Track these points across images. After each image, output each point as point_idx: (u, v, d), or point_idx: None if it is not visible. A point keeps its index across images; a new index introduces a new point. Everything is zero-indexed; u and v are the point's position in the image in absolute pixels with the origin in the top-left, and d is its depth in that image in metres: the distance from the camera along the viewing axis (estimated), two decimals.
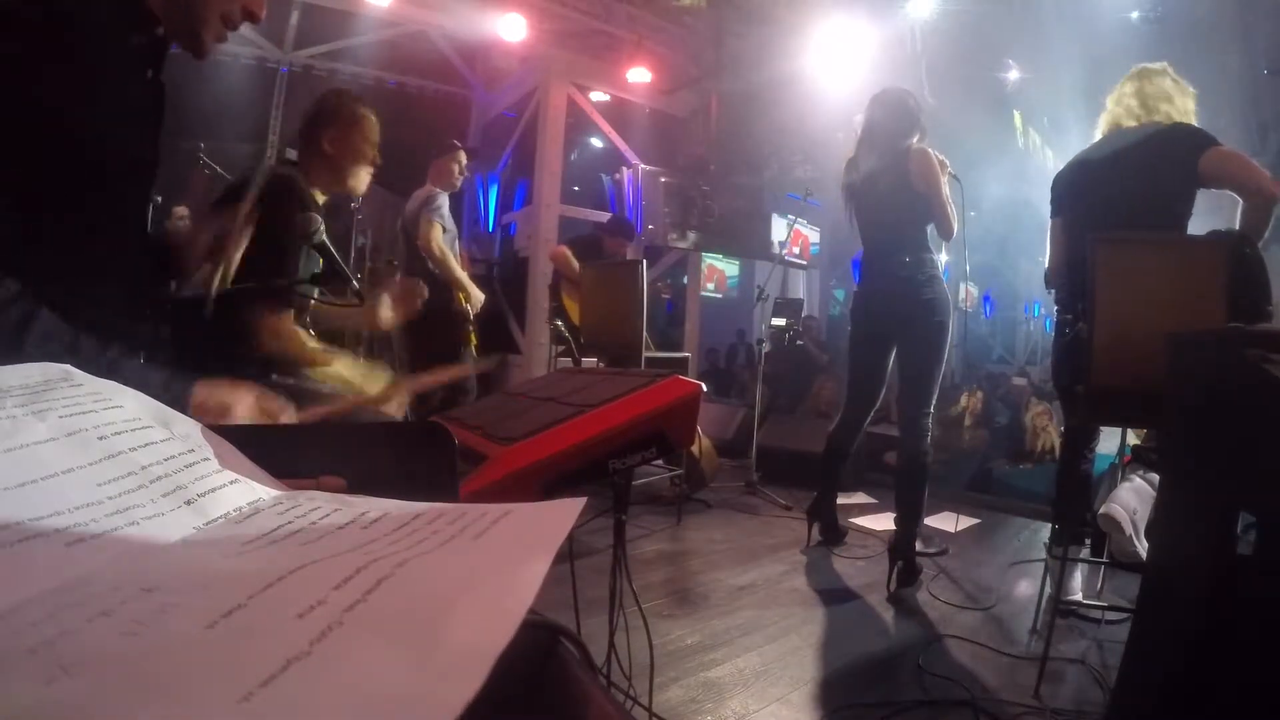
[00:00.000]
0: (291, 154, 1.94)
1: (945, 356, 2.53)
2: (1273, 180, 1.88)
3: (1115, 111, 2.23)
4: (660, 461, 3.49)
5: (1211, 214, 2.16)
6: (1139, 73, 2.23)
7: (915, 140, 2.59)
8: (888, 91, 2.69)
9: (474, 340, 3.41)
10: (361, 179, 1.84)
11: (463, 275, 3.32)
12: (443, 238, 3.25)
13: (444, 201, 3.30)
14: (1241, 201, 1.91)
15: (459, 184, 3.46)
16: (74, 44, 0.86)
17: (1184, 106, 2.17)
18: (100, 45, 0.89)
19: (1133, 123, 2.17)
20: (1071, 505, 2.26)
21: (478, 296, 3.36)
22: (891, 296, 2.56)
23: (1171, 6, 4.90)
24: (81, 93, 0.87)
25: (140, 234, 1.07)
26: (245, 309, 1.62)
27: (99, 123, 0.91)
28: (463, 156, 3.44)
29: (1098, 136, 2.30)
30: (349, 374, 1.76)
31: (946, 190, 2.49)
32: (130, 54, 0.97)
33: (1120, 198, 2.06)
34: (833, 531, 2.95)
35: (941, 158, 2.52)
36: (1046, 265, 2.40)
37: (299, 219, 1.53)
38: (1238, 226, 1.92)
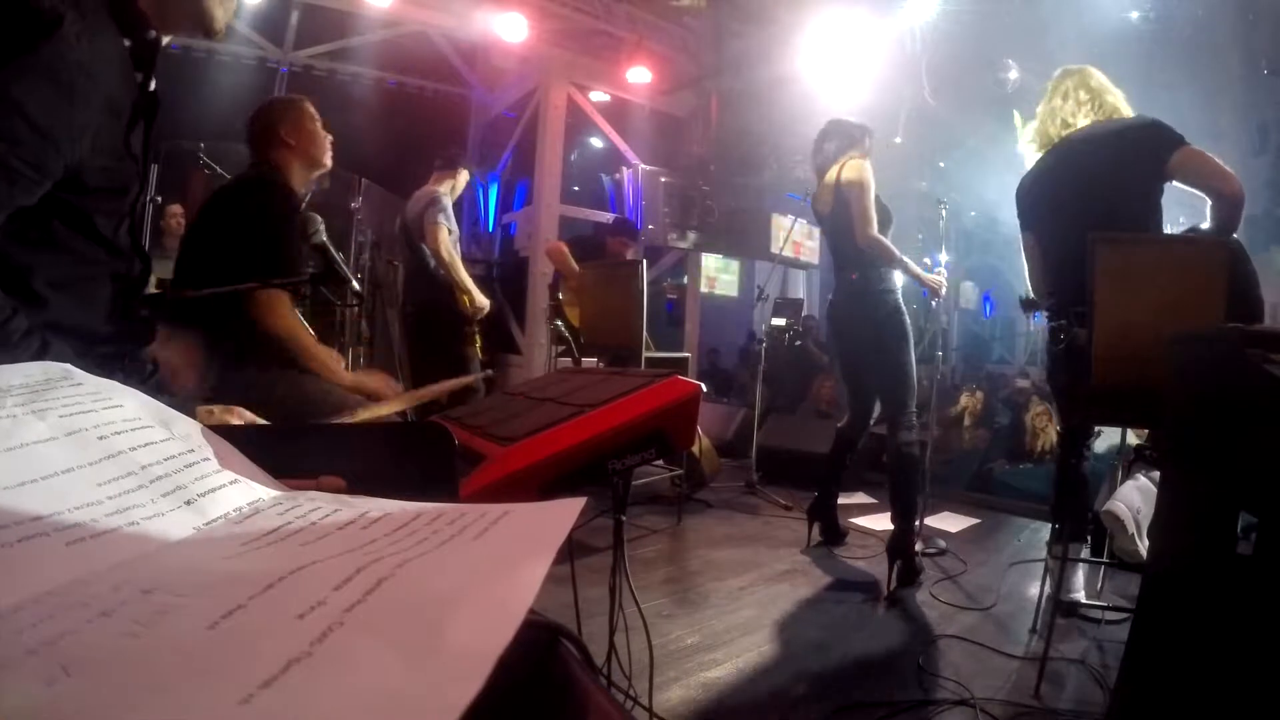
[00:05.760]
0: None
1: (908, 358, 2.61)
2: (1236, 178, 1.88)
3: (1061, 109, 2.20)
4: (660, 461, 3.50)
5: (1186, 208, 2.17)
6: (1077, 71, 2.22)
7: (853, 154, 2.71)
8: (833, 122, 2.84)
9: (478, 341, 3.40)
10: (327, 155, 1.97)
11: (468, 279, 3.30)
12: (449, 239, 3.24)
13: (448, 202, 3.29)
14: (1210, 201, 1.91)
15: (458, 195, 3.48)
16: (63, 48, 0.85)
17: (1119, 98, 2.18)
18: (90, 49, 0.88)
19: (1084, 119, 2.15)
20: (1070, 505, 2.26)
21: (482, 302, 3.31)
22: (847, 310, 2.72)
23: (1171, 6, 4.90)
24: (69, 97, 0.86)
25: (133, 240, 1.06)
26: (246, 306, 1.64)
27: (86, 130, 0.89)
28: (465, 178, 3.46)
29: (1028, 140, 2.30)
30: (353, 379, 1.78)
31: (867, 201, 2.59)
32: (121, 57, 0.96)
33: (1093, 198, 2.04)
34: (833, 531, 2.95)
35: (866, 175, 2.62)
36: (1027, 285, 2.39)
37: (298, 218, 1.53)
38: (1207, 224, 1.92)
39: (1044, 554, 2.34)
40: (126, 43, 0.97)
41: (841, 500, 3.09)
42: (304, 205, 1.87)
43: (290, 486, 0.51)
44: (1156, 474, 2.56)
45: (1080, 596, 2.27)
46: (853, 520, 3.26)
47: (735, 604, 2.30)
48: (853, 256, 2.66)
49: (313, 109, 1.96)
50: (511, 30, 5.13)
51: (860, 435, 2.88)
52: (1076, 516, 2.24)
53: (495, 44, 5.65)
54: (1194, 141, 1.97)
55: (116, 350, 1.05)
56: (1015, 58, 5.13)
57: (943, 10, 4.79)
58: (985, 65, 5.06)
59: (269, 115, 1.91)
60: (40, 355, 0.84)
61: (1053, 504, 2.41)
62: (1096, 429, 2.39)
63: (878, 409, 2.81)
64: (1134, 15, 4.98)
